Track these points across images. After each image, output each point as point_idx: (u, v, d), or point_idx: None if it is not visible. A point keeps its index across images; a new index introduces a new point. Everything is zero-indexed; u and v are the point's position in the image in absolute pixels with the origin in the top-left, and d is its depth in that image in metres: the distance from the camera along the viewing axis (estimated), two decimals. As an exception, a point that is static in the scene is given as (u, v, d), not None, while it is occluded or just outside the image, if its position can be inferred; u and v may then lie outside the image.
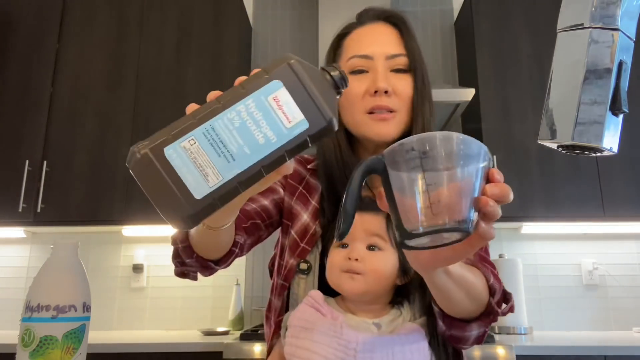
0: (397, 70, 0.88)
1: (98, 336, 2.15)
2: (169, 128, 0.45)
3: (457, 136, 0.47)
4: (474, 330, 0.74)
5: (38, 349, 0.62)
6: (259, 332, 2.00)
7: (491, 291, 0.73)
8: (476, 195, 0.47)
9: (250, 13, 3.01)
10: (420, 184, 0.47)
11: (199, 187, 0.44)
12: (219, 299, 2.58)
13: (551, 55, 0.56)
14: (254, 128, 0.45)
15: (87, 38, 2.59)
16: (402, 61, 0.88)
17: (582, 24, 0.53)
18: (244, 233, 0.85)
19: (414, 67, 0.88)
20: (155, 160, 0.43)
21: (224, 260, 0.83)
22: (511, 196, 0.48)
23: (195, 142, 0.44)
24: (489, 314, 0.74)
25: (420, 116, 0.87)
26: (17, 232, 2.61)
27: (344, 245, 0.78)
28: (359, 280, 0.75)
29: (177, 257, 0.80)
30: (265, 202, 0.92)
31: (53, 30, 2.58)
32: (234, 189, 0.45)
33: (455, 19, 2.94)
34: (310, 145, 0.47)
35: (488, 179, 0.48)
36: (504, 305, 0.76)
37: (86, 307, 0.67)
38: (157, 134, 0.45)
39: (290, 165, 0.51)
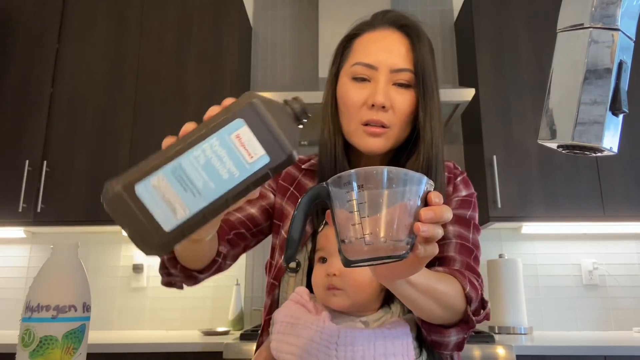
0: (400, 85, 0.85)
1: (98, 336, 2.15)
2: (141, 165, 0.48)
3: (394, 171, 0.49)
4: (453, 336, 0.75)
5: (38, 349, 0.62)
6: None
7: (468, 299, 0.74)
8: (412, 220, 0.49)
9: (250, 13, 3.00)
10: (355, 216, 0.49)
11: (168, 220, 0.47)
12: (219, 299, 2.58)
13: (551, 55, 0.56)
14: (218, 164, 0.48)
15: (87, 38, 2.59)
16: (406, 76, 0.85)
17: (582, 24, 0.53)
18: (226, 244, 0.87)
19: (420, 83, 0.85)
20: (127, 197, 0.47)
21: (207, 270, 0.84)
22: (448, 215, 0.50)
23: (163, 179, 0.47)
24: (466, 322, 0.75)
25: (428, 133, 0.85)
26: (17, 232, 2.61)
27: (324, 260, 0.78)
28: (341, 296, 0.74)
29: (163, 267, 0.83)
30: (252, 210, 0.93)
31: (53, 30, 2.58)
32: (200, 220, 0.48)
33: (455, 19, 2.94)
34: (272, 176, 0.50)
35: (427, 203, 0.50)
36: (482, 312, 0.77)
37: (86, 307, 0.67)
38: (130, 170, 0.48)
39: (256, 191, 0.53)
